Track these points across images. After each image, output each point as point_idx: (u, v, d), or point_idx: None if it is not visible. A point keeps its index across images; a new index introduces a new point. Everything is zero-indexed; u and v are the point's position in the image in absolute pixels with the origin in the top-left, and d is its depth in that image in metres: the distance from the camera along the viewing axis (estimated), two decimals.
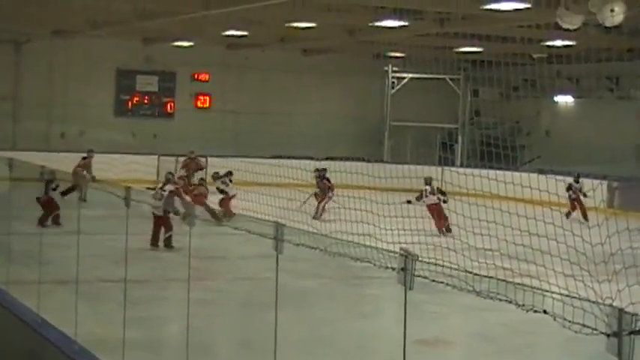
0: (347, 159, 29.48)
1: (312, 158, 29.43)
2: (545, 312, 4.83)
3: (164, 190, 18.18)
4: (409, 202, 19.02)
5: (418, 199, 21.37)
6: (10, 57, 32.23)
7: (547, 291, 5.16)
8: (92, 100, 32.64)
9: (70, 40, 30.59)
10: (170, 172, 21.09)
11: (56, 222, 18.99)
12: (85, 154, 25.79)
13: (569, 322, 4.61)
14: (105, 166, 23.52)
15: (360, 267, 6.51)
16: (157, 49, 33.10)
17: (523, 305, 4.92)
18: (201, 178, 24.23)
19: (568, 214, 23.34)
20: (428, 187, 21.78)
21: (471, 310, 11.63)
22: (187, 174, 26.08)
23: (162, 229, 17.24)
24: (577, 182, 24.78)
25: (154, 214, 17.10)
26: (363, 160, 30.95)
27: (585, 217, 23.26)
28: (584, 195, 24.18)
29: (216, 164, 25.40)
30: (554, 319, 4.71)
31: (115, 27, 27.29)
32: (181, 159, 28.04)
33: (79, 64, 31.91)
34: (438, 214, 21.28)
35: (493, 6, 19.51)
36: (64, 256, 11.47)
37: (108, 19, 26.38)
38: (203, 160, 28.02)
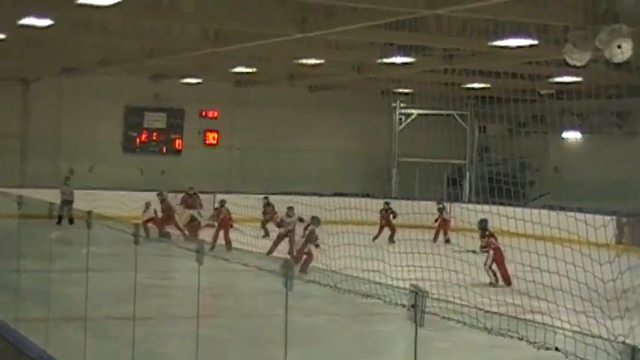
0: (355, 195, 29.44)
1: (319, 195, 29.41)
2: (557, 349, 4.78)
3: None
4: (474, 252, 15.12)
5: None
6: (19, 95, 32.43)
7: (559, 327, 5.12)
8: (101, 136, 32.75)
9: (78, 77, 30.77)
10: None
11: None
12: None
13: (582, 359, 4.56)
14: (113, 202, 23.52)
15: (369, 303, 6.46)
16: (165, 86, 33.29)
17: (535, 342, 4.87)
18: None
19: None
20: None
21: (480, 348, 11.52)
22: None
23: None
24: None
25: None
26: (370, 196, 30.93)
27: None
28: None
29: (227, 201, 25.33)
30: (566, 357, 4.66)
31: (124, 64, 27.46)
32: (179, 195, 27.61)
33: (88, 101, 32.04)
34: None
35: (500, 42, 19.54)
36: (72, 293, 11.42)
37: (117, 57, 26.55)
38: (201, 197, 27.67)
